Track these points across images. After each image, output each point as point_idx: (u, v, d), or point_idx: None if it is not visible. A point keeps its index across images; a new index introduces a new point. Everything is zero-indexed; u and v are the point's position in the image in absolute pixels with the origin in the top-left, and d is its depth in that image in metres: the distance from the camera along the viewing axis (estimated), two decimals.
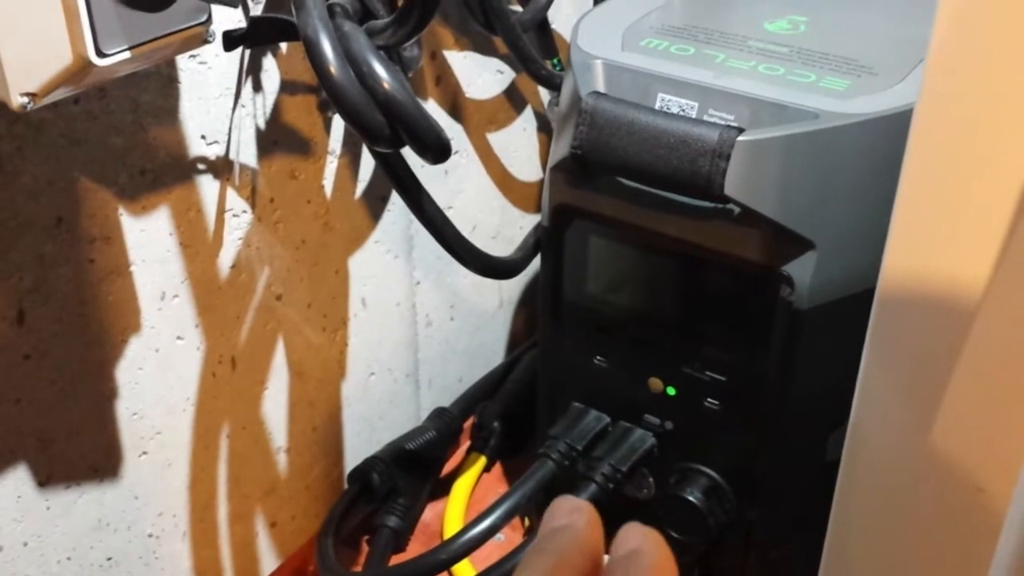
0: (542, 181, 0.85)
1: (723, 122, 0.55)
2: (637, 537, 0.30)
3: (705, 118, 0.56)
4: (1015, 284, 0.35)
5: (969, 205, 0.36)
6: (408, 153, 0.53)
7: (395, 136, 0.49)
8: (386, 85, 0.47)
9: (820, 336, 0.57)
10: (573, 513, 0.30)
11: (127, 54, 0.42)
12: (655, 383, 0.64)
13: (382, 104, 0.47)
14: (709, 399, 0.62)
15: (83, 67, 0.42)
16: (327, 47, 0.46)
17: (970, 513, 0.38)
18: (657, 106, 0.57)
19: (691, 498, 0.63)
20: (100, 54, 0.41)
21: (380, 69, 0.47)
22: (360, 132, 0.49)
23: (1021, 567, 0.30)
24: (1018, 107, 0.34)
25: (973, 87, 0.35)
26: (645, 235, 0.59)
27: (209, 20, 0.46)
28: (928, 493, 0.39)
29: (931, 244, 0.37)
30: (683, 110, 0.57)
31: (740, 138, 0.53)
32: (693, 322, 0.62)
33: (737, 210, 0.54)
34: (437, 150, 0.50)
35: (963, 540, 0.38)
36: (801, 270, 0.55)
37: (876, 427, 0.40)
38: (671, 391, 0.63)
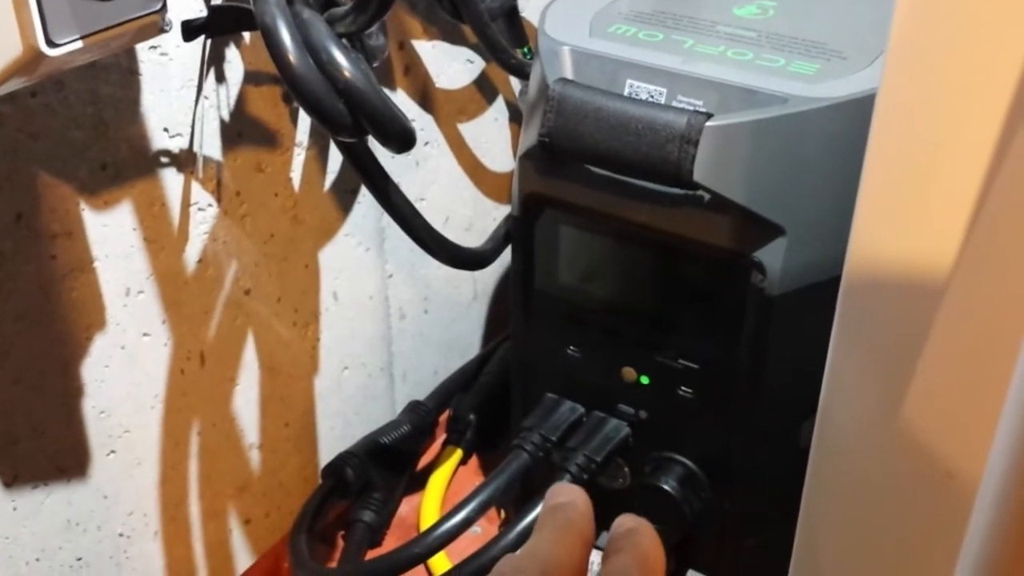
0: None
1: (691, 108, 0.54)
2: (633, 521, 0.35)
3: (674, 104, 0.55)
4: (981, 265, 0.35)
5: (933, 187, 0.35)
6: (376, 144, 0.52)
7: (357, 125, 0.48)
8: (346, 73, 0.46)
9: (792, 322, 0.56)
10: (572, 492, 0.36)
11: (79, 44, 0.41)
12: (628, 372, 0.63)
13: (343, 92, 0.47)
14: (683, 387, 0.61)
15: (34, 58, 0.40)
16: (285, 35, 0.46)
17: (941, 498, 0.37)
18: (625, 92, 0.56)
19: (666, 487, 0.62)
20: (51, 44, 0.40)
21: (340, 56, 0.46)
22: (321, 121, 0.48)
23: (990, 550, 0.30)
24: (981, 85, 0.33)
25: (936, 67, 0.34)
26: (615, 223, 0.59)
27: (164, 8, 0.45)
28: (898, 478, 0.39)
29: (896, 227, 0.37)
30: (651, 96, 0.56)
31: (708, 123, 0.52)
32: (665, 310, 0.62)
33: (706, 196, 0.54)
34: (400, 139, 0.49)
35: (934, 525, 0.38)
36: (772, 256, 0.54)
37: (844, 413, 0.40)
38: (645, 380, 0.63)
